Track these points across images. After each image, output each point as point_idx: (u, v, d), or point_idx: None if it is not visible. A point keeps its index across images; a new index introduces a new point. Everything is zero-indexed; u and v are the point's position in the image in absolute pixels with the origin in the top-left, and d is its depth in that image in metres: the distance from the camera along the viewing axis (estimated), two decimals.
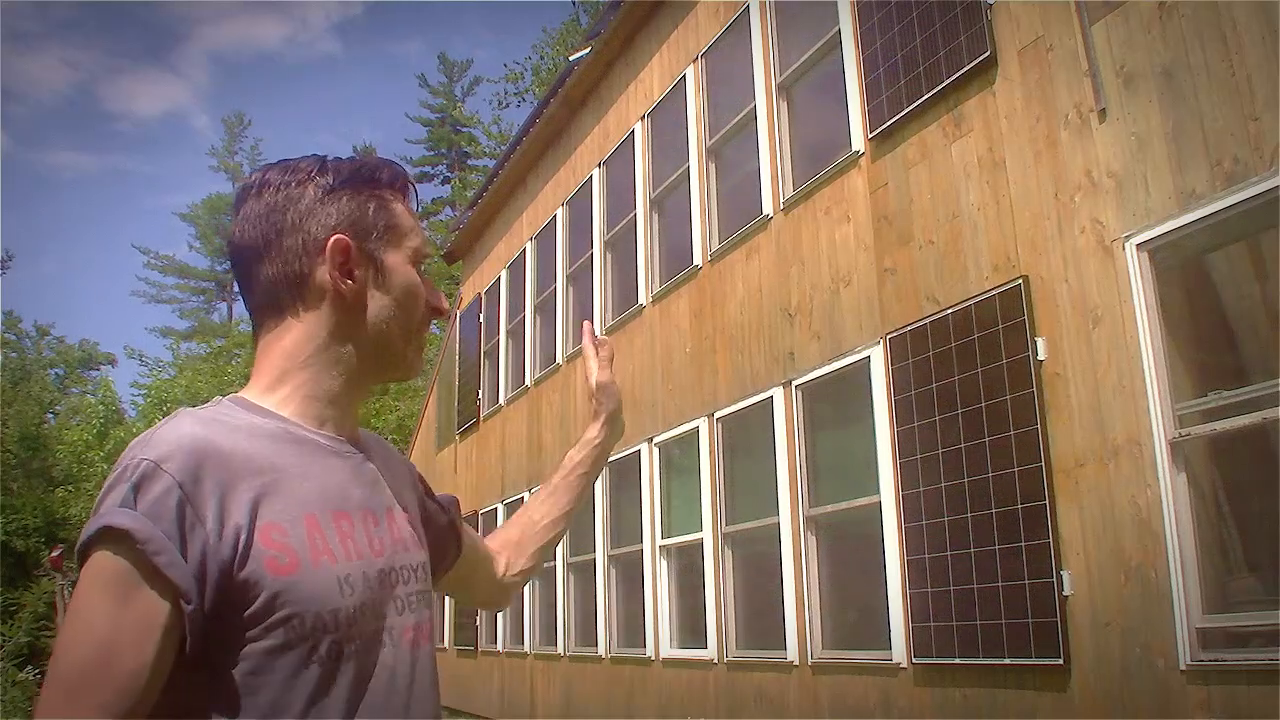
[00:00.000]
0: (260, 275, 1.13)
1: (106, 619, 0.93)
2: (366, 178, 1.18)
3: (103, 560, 0.94)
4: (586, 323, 1.67)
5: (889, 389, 5.31)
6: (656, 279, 8.30)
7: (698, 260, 7.57)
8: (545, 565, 10.31)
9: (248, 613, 0.97)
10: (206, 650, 0.97)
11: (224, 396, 1.13)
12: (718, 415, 7.09)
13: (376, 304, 1.15)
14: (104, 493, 0.97)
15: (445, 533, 1.37)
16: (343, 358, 1.14)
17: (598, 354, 1.57)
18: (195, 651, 0.96)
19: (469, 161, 36.99)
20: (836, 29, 6.11)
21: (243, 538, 0.97)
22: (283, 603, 0.98)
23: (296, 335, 1.13)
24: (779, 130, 6.71)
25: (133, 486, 0.95)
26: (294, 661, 0.99)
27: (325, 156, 1.19)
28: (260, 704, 0.97)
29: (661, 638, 7.57)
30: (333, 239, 1.12)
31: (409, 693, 1.09)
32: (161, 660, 0.94)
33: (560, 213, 10.60)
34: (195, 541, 0.95)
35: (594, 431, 1.55)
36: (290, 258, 1.12)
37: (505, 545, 1.51)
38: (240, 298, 1.24)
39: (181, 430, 1.00)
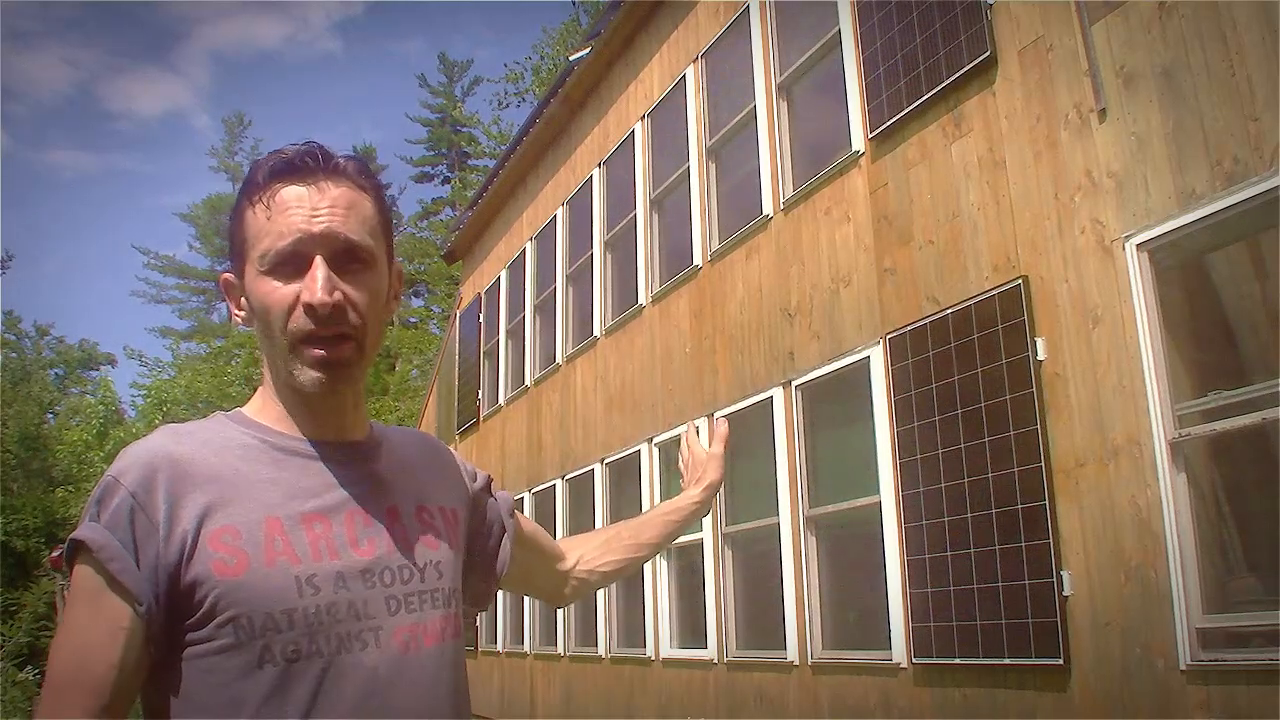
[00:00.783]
0: None
1: (79, 626, 1.01)
2: (239, 195, 1.14)
3: (77, 572, 1.03)
4: (722, 423, 1.72)
5: (889, 389, 5.31)
6: (656, 279, 8.30)
7: (698, 260, 7.57)
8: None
9: (197, 614, 1.02)
10: (167, 651, 1.03)
11: (223, 412, 1.19)
12: (717, 415, 7.09)
13: (255, 327, 1.14)
14: (83, 509, 1.06)
15: (500, 529, 1.37)
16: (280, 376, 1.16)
17: (717, 433, 1.69)
18: (159, 652, 1.02)
19: (469, 161, 36.97)
20: (836, 29, 6.11)
21: (189, 542, 1.02)
22: (228, 604, 1.01)
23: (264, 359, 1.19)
24: (779, 130, 6.71)
25: (96, 501, 1.04)
26: (245, 661, 1.01)
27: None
28: (215, 703, 1.01)
29: (661, 638, 7.57)
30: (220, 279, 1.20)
31: (390, 695, 1.06)
32: (130, 660, 1.00)
33: (560, 213, 10.60)
34: (149, 548, 1.01)
35: (697, 495, 1.63)
36: None
37: (586, 544, 1.54)
38: None
39: (145, 445, 1.08)
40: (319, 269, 1.07)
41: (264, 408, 1.16)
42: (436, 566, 1.16)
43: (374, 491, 1.15)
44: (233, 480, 1.06)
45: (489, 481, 1.38)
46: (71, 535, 1.03)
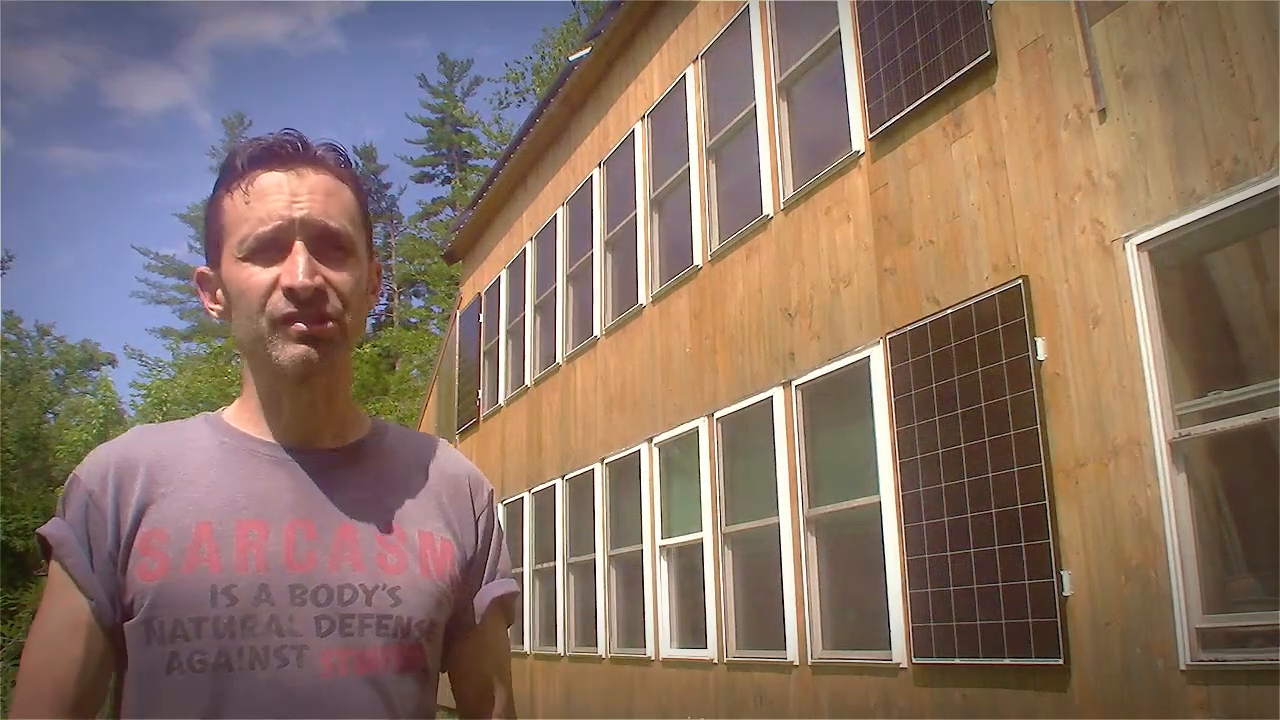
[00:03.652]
0: None
1: (45, 621, 1.05)
2: (216, 185, 1.11)
3: (49, 568, 1.06)
4: None
5: (889, 389, 5.31)
6: (656, 279, 8.30)
7: (698, 260, 7.57)
8: (548, 564, 10.21)
9: (128, 616, 1.03)
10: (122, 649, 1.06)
11: (208, 413, 1.19)
12: (718, 415, 7.09)
13: (233, 318, 1.10)
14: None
15: (469, 599, 1.18)
16: (253, 373, 1.14)
17: None
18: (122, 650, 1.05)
19: (469, 161, 36.97)
20: (836, 29, 6.11)
21: (124, 543, 1.04)
22: (147, 607, 1.02)
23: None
24: (779, 130, 6.71)
25: (61, 498, 1.08)
26: (155, 665, 1.01)
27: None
28: (138, 704, 1.03)
29: (661, 638, 7.57)
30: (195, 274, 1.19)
31: (306, 717, 0.99)
32: (91, 654, 1.03)
33: (560, 213, 10.61)
34: (101, 544, 1.04)
35: None
36: None
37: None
38: None
39: (108, 445, 1.11)
40: (299, 254, 1.04)
41: (238, 411, 1.15)
42: (392, 592, 1.06)
43: (331, 504, 1.08)
44: (179, 483, 1.07)
45: (498, 556, 1.21)
46: (37, 530, 1.08)
